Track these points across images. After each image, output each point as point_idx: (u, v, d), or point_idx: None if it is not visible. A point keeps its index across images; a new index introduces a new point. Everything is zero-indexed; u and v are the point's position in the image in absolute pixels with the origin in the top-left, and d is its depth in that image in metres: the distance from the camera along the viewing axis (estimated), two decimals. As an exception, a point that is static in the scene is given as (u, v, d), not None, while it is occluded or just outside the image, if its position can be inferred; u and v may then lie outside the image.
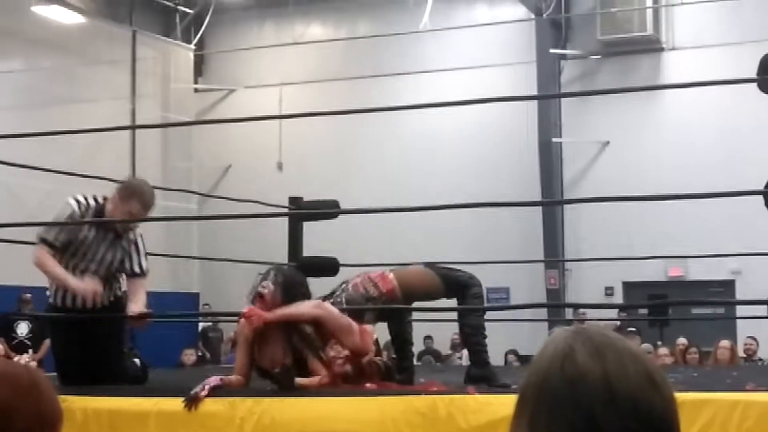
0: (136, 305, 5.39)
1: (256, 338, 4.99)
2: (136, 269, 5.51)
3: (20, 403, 1.68)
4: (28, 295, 12.56)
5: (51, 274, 5.32)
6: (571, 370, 1.28)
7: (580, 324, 1.44)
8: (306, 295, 5.13)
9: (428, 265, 5.90)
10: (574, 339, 1.32)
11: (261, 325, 4.93)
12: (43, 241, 5.33)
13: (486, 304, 6.05)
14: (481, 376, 5.48)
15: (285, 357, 4.95)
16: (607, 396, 1.26)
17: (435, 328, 14.07)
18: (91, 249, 5.39)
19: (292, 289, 5.04)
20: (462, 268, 6.13)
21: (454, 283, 5.68)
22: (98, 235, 5.39)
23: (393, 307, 5.60)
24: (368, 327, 5.27)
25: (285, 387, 4.76)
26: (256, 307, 4.99)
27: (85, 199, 5.42)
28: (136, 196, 5.31)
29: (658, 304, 12.68)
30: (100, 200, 5.44)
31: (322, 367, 4.93)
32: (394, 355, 6.01)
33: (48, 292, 5.63)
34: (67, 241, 5.36)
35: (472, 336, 5.63)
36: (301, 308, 4.98)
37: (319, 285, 5.79)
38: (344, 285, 5.62)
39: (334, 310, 5.13)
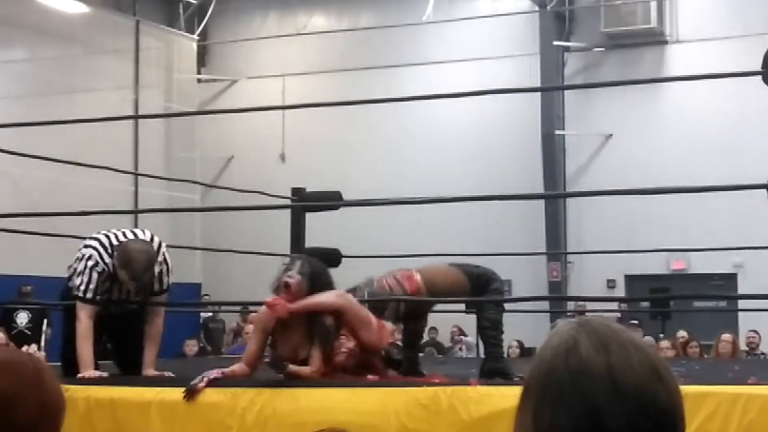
0: (150, 366, 5.39)
1: (278, 327, 5.00)
2: (156, 287, 5.53)
3: (24, 391, 1.68)
4: (29, 287, 12.55)
5: (80, 346, 5.18)
6: (575, 363, 1.28)
7: (583, 316, 1.43)
8: (330, 285, 5.15)
9: (452, 263, 5.89)
10: (578, 331, 1.31)
11: (285, 314, 4.93)
12: (84, 299, 5.26)
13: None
14: (497, 370, 5.48)
15: (304, 347, 4.95)
16: (611, 388, 1.25)
17: (440, 319, 14.09)
18: (115, 292, 5.43)
19: (317, 279, 5.06)
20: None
21: (479, 279, 5.68)
22: (119, 282, 5.40)
23: (414, 298, 5.56)
24: (387, 323, 5.30)
25: (278, 372, 4.79)
26: (280, 297, 4.99)
27: (105, 252, 5.33)
28: (126, 269, 5.24)
29: (660, 298, 12.68)
30: (116, 245, 5.34)
31: (318, 357, 4.92)
32: (398, 344, 6.01)
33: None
34: (100, 293, 5.36)
35: (489, 330, 5.64)
36: (324, 297, 5.00)
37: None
38: (369, 282, 5.62)
39: (356, 301, 5.14)
